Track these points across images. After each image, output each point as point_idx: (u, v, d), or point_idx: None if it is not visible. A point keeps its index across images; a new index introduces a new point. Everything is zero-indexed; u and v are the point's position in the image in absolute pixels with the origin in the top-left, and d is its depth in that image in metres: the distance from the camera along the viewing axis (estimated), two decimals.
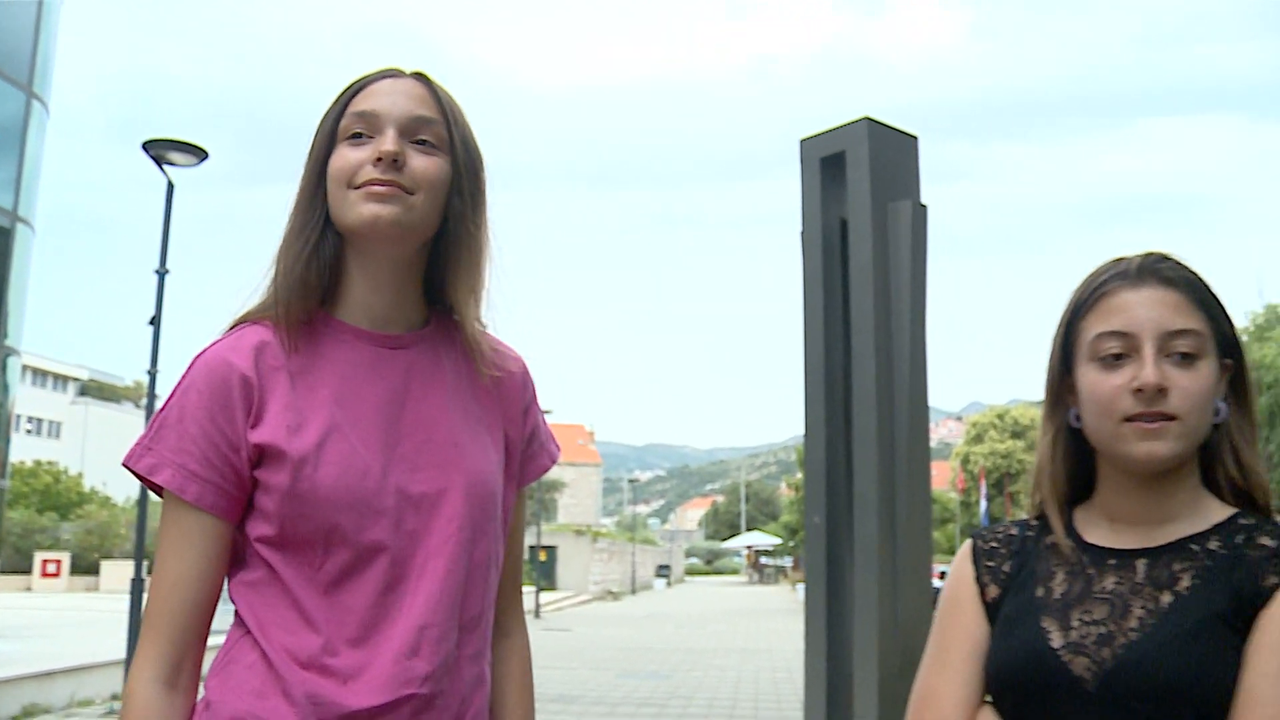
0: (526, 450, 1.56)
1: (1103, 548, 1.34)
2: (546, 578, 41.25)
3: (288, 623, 1.32)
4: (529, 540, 32.72)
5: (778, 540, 64.14)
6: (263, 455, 1.34)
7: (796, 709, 10.53)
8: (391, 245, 1.39)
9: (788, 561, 63.92)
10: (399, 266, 1.43)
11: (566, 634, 21.72)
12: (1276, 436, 25.21)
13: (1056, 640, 1.28)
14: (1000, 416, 62.15)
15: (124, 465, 1.36)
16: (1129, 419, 1.27)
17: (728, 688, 13.05)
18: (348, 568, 1.33)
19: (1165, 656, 1.21)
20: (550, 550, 42.79)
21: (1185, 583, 1.26)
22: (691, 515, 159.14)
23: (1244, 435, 1.34)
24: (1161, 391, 1.25)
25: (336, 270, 1.42)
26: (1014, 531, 1.45)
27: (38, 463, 42.61)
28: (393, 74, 1.44)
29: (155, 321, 10.58)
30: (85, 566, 31.91)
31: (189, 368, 1.38)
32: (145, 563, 10.46)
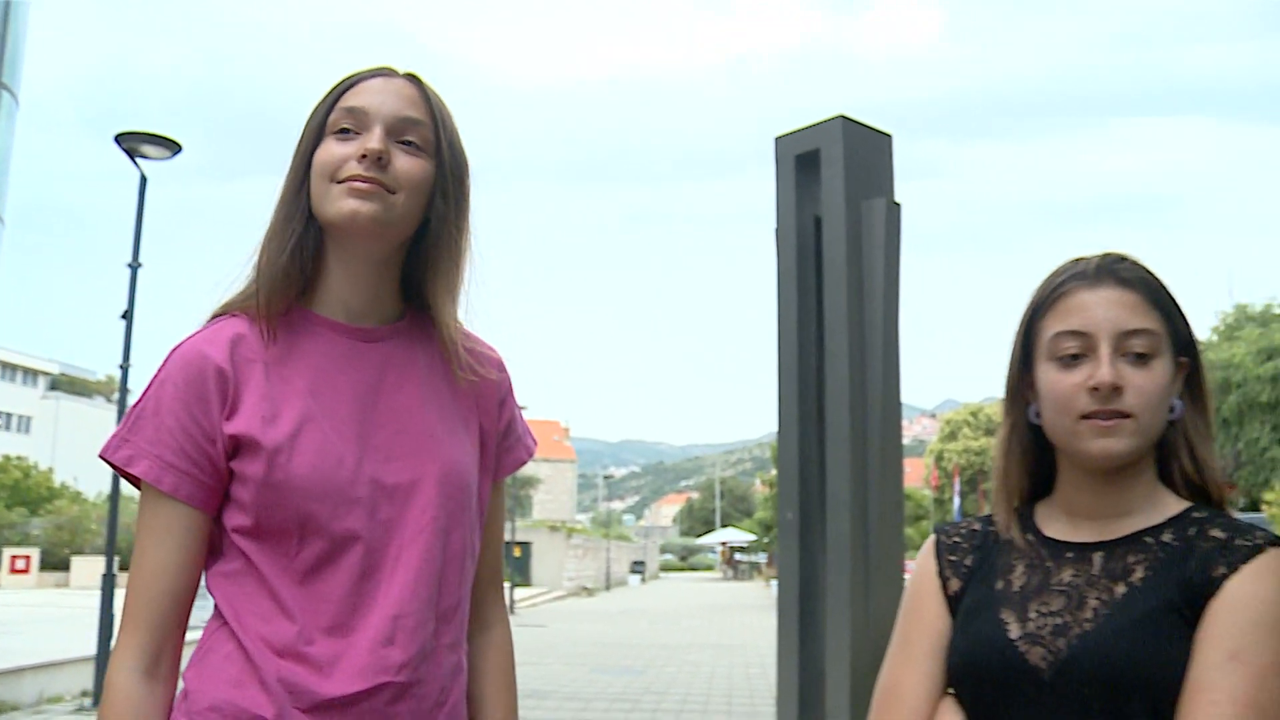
0: (502, 443, 1.58)
1: (1061, 541, 1.38)
2: (521, 574, 41.19)
3: (264, 612, 1.34)
4: None
5: (752, 537, 64.28)
6: (238, 446, 1.35)
7: (769, 704, 10.58)
8: (370, 241, 1.41)
9: (762, 558, 64.07)
10: (377, 262, 1.45)
11: (541, 629, 21.71)
12: (1247, 434, 25.49)
13: (1014, 631, 1.31)
14: (974, 414, 62.55)
15: (101, 456, 1.38)
16: (1086, 416, 1.30)
17: (701, 683, 13.09)
18: (323, 557, 1.35)
19: (1117, 645, 1.24)
20: (525, 546, 42.69)
21: (1139, 574, 1.29)
22: (666, 511, 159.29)
23: (1199, 431, 1.37)
24: (1117, 390, 1.28)
25: (315, 263, 1.44)
26: (976, 527, 1.48)
27: (7, 458, 42.12)
28: (385, 73, 1.45)
29: (128, 315, 10.50)
30: (55, 562, 31.58)
31: (165, 360, 1.39)
32: (116, 558, 10.41)
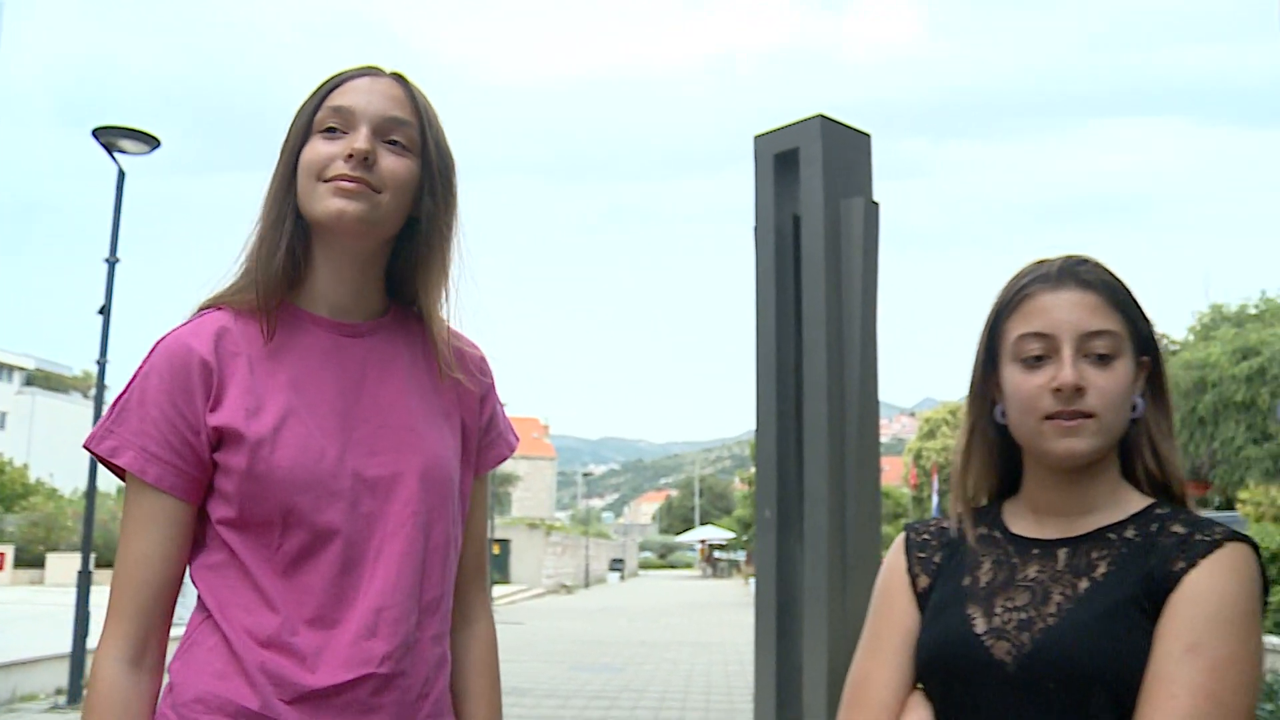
0: (484, 438, 1.60)
1: (1027, 538, 1.41)
2: (500, 571, 41.12)
3: (248, 603, 1.35)
4: None
5: (731, 534, 64.33)
6: (221, 438, 1.37)
7: (747, 701, 10.61)
8: (355, 240, 1.43)
9: (741, 556, 64.16)
10: (362, 259, 1.47)
11: (519, 627, 21.69)
12: (1222, 433, 25.65)
13: (980, 626, 1.34)
14: (953, 412, 62.66)
15: (85, 448, 1.39)
16: (1049, 417, 1.33)
17: (679, 680, 13.11)
18: (305, 549, 1.36)
19: (1079, 639, 1.26)
20: (504, 544, 42.62)
21: (1102, 569, 1.32)
22: (646, 509, 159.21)
23: (1160, 429, 1.41)
24: (1079, 391, 1.31)
25: (301, 259, 1.46)
26: (945, 524, 1.51)
27: None
28: (372, 72, 1.47)
29: (105, 311, 10.42)
30: (30, 559, 31.32)
31: (150, 352, 1.41)
32: (93, 555, 10.34)
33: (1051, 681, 1.26)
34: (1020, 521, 1.43)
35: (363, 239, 1.43)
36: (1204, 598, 1.24)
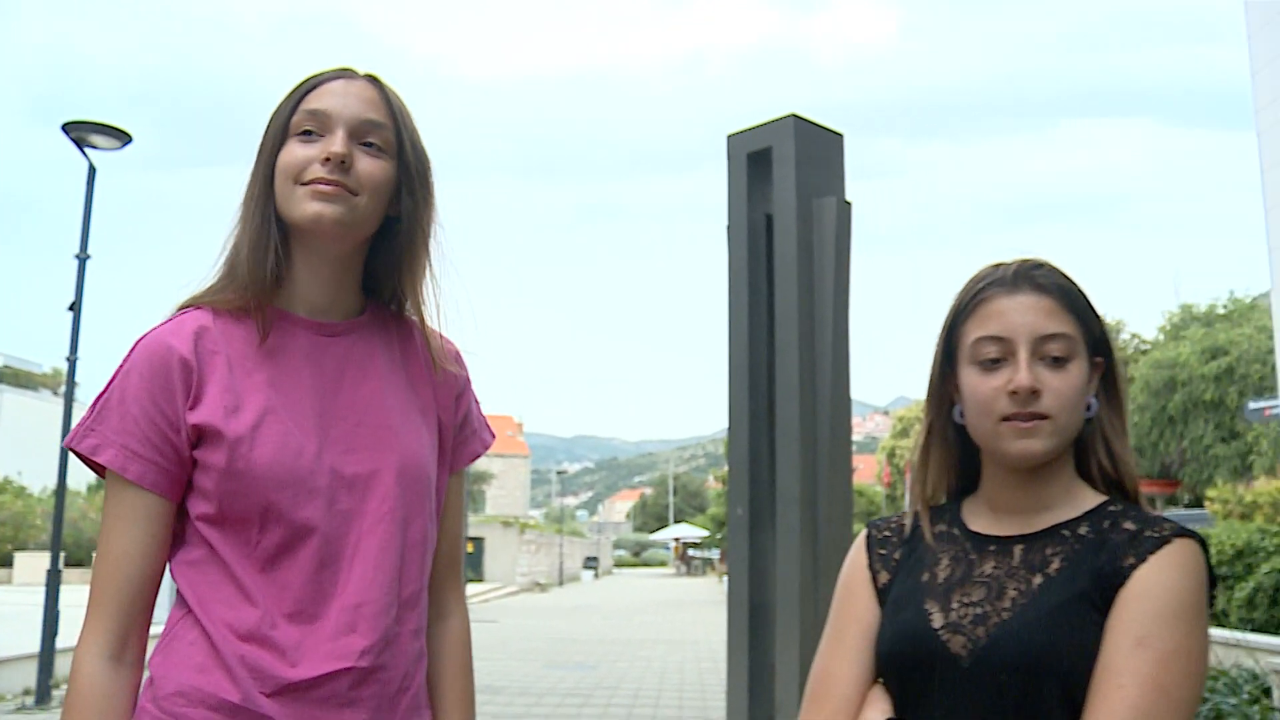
0: (459, 435, 1.62)
1: (984, 535, 1.44)
2: (474, 569, 41.03)
3: (227, 598, 1.38)
4: None
5: (705, 532, 64.38)
6: (201, 435, 1.39)
7: (721, 699, 10.64)
8: (333, 242, 1.45)
9: (715, 554, 64.23)
10: (340, 260, 1.49)
11: (493, 625, 21.65)
12: (1191, 432, 25.91)
13: (937, 621, 1.38)
14: None
15: (66, 446, 1.41)
16: (1006, 419, 1.37)
17: (653, 678, 13.13)
18: (283, 545, 1.39)
19: (1032, 633, 1.30)
20: (478, 542, 42.51)
21: (1055, 565, 1.36)
22: (620, 507, 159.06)
23: (1114, 428, 1.45)
24: (1035, 393, 1.35)
25: (282, 261, 1.47)
26: (905, 521, 1.55)
27: None
28: (346, 75, 1.49)
29: (75, 307, 10.34)
30: None
31: (130, 351, 1.42)
32: (62, 554, 10.25)
33: (1005, 674, 1.29)
34: (978, 519, 1.47)
35: (340, 241, 1.45)
36: (1152, 593, 1.27)
